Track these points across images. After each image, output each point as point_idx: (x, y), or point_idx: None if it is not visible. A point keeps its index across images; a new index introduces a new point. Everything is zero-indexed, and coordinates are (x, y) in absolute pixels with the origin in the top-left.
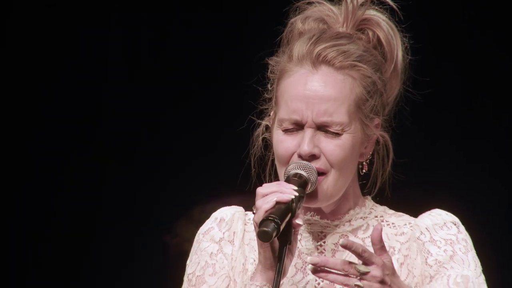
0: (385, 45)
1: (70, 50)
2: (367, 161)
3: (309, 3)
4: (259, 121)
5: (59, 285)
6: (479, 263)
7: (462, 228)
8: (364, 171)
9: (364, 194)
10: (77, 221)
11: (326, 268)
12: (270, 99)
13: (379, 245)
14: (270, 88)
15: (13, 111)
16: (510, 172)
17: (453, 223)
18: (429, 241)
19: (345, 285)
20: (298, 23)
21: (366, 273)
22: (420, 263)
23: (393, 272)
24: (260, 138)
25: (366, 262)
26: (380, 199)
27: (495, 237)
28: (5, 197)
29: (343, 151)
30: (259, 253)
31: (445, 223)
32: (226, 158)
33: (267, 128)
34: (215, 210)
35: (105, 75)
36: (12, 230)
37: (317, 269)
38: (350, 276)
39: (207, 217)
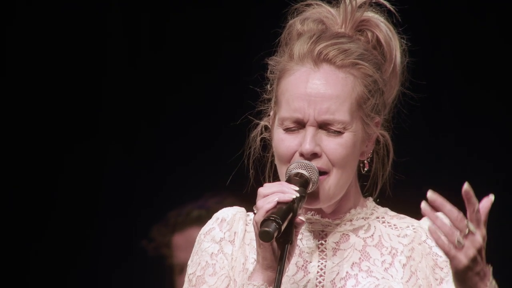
0: (385, 46)
1: (70, 41)
2: (368, 159)
3: (307, 5)
4: (257, 121)
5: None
6: None
7: None
8: (365, 169)
9: (365, 195)
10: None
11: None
12: (269, 100)
13: (485, 217)
14: (269, 89)
15: (13, 103)
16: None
17: None
18: (436, 245)
19: (448, 235)
20: (297, 24)
21: (471, 234)
22: (425, 266)
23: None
24: (258, 139)
25: (475, 223)
26: (381, 200)
27: (496, 238)
28: (5, 186)
29: (344, 149)
30: (257, 253)
31: None
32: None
33: (266, 128)
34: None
35: (105, 65)
36: (11, 222)
37: (428, 209)
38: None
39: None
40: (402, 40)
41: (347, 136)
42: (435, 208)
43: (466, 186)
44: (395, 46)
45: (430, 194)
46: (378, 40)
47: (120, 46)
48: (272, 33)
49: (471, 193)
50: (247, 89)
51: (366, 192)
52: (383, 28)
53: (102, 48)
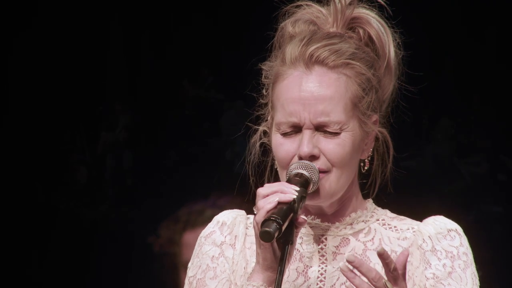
0: (377, 42)
1: (71, 51)
2: (369, 158)
3: (298, 6)
4: (256, 127)
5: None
6: (476, 280)
7: (464, 239)
8: (366, 168)
9: (365, 195)
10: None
11: (355, 271)
12: (266, 104)
13: (403, 271)
14: (265, 94)
15: (13, 109)
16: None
17: (456, 233)
18: (430, 250)
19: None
20: (288, 26)
21: None
22: (421, 272)
23: None
24: (258, 144)
25: (392, 281)
26: (384, 195)
27: (493, 240)
28: (6, 192)
29: (342, 149)
30: (257, 253)
31: (448, 232)
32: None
33: (265, 133)
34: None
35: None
36: (10, 232)
37: (347, 268)
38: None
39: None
40: (396, 34)
41: (344, 136)
42: (354, 267)
43: (380, 249)
44: (387, 41)
45: (348, 256)
46: (370, 37)
47: (120, 59)
48: (264, 35)
49: (386, 254)
50: (245, 95)
51: (367, 189)
52: (375, 24)
53: (102, 61)
